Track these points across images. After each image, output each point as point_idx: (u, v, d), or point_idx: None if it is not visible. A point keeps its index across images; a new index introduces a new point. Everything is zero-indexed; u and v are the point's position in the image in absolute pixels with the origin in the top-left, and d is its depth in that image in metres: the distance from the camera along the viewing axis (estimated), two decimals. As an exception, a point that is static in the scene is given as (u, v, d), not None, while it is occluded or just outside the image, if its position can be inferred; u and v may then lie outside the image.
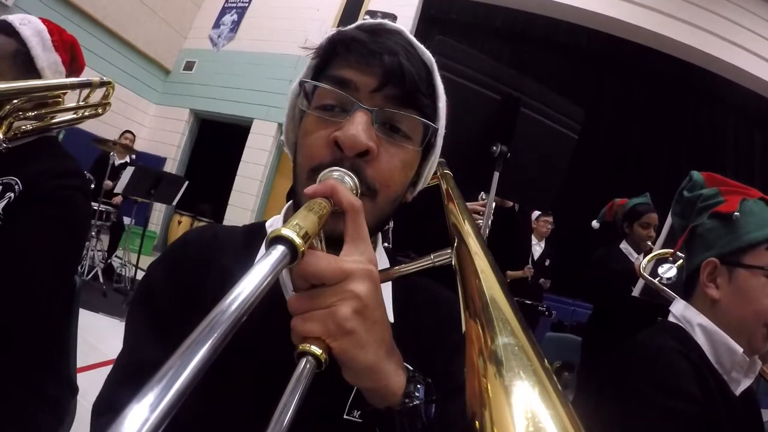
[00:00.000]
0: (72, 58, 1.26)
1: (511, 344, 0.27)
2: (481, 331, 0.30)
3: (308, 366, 0.39)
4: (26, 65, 1.14)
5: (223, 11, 8.26)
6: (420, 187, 0.72)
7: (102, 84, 1.32)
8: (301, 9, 7.45)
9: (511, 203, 2.30)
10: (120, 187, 4.33)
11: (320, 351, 0.40)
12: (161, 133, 8.05)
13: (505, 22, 7.21)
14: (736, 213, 1.03)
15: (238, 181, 7.38)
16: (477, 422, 0.22)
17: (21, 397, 1.11)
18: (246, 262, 0.66)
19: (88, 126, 6.35)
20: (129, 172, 4.30)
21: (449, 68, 1.61)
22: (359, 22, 0.64)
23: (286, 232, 0.36)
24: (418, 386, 0.46)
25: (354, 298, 0.41)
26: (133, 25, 7.27)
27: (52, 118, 1.22)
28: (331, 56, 0.62)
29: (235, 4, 8.21)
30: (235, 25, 8.06)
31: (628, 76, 7.21)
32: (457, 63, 1.66)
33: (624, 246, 3.01)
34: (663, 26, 6.76)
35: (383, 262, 0.74)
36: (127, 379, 0.63)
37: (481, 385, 0.25)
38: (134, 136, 5.78)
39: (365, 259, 0.45)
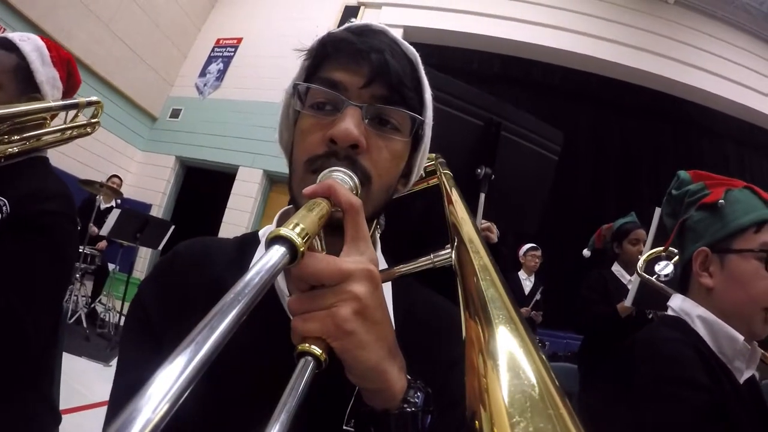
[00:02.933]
0: (68, 75, 1.29)
1: (511, 344, 0.27)
2: (480, 330, 0.30)
3: (307, 366, 0.39)
4: (26, 79, 1.17)
5: (209, 60, 8.47)
6: (413, 178, 0.74)
7: (89, 104, 1.35)
8: (284, 58, 7.56)
9: (495, 239, 2.32)
10: (106, 229, 4.30)
11: (320, 351, 0.39)
12: (147, 179, 8.05)
13: (481, 65, 7.49)
14: (721, 200, 1.05)
15: (224, 228, 7.36)
16: (477, 422, 0.22)
17: (4, 420, 1.07)
18: (238, 271, 0.65)
19: (74, 170, 6.33)
20: (115, 214, 4.29)
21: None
22: (347, 24, 0.68)
23: (286, 232, 0.36)
24: (418, 393, 0.45)
25: (354, 299, 0.41)
26: (121, 71, 7.40)
27: (38, 140, 1.23)
28: (322, 57, 0.65)
29: (220, 54, 8.44)
30: (221, 74, 8.25)
31: (602, 109, 7.49)
32: (437, 90, 1.72)
33: (616, 268, 3.01)
34: (629, 58, 7.11)
35: (382, 263, 0.74)
36: (125, 399, 0.61)
37: (481, 385, 0.24)
38: (121, 180, 5.78)
39: (365, 259, 0.44)
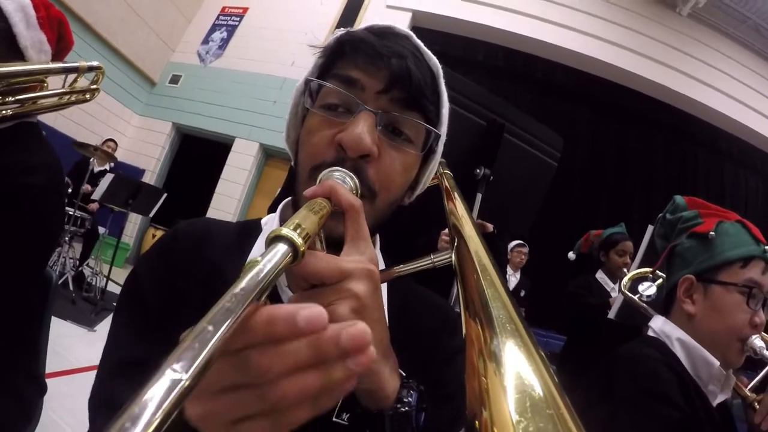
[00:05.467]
0: (59, 37, 1.18)
1: (512, 343, 0.27)
2: (480, 330, 0.30)
3: None
4: (7, 43, 1.05)
5: (213, 28, 8.32)
6: (418, 191, 0.72)
7: (90, 69, 1.26)
8: (290, 32, 7.56)
9: (491, 228, 2.34)
10: (98, 193, 4.24)
11: None
12: (142, 144, 7.96)
13: (486, 56, 7.42)
14: (711, 232, 1.08)
15: (216, 199, 7.32)
16: (477, 422, 0.22)
17: None
18: (238, 258, 0.66)
19: (69, 130, 6.25)
20: (108, 179, 4.23)
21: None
22: (368, 24, 0.65)
23: (287, 232, 0.36)
24: (411, 392, 0.46)
25: (352, 297, 0.41)
26: (123, 33, 7.25)
27: (34, 102, 1.14)
28: (338, 56, 0.62)
29: (225, 22, 8.29)
30: (224, 43, 8.11)
31: (601, 112, 7.46)
32: (445, 87, 1.72)
33: (600, 275, 3.07)
34: (636, 65, 7.07)
35: (381, 263, 0.74)
36: (114, 377, 0.61)
37: (481, 385, 0.25)
38: (116, 145, 5.70)
39: (366, 258, 0.44)
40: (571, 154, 6.61)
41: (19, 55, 1.08)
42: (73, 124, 6.52)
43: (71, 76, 1.27)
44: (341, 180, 0.53)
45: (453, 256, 0.49)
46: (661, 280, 1.42)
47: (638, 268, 1.90)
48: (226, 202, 7.22)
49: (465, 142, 1.79)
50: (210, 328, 0.26)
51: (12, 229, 0.99)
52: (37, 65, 1.10)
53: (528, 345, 0.27)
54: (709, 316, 1.05)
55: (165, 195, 4.98)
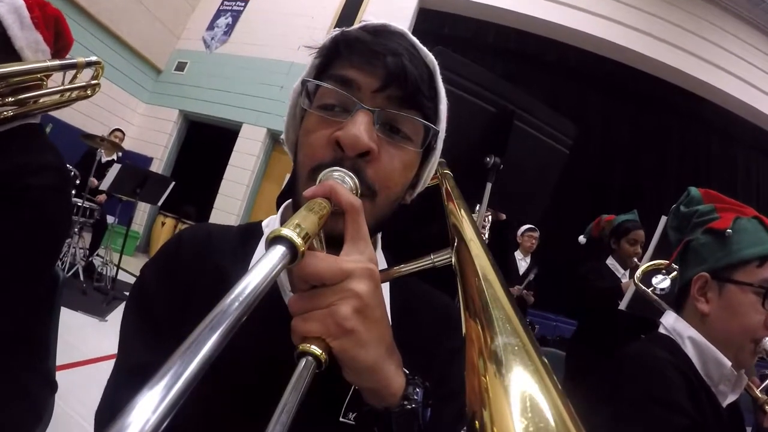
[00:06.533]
0: (57, 35, 1.17)
1: (511, 344, 0.27)
2: (481, 330, 0.30)
3: (308, 366, 0.39)
4: (2, 45, 1.05)
5: (218, 13, 8.26)
6: (419, 189, 0.72)
7: (89, 64, 1.25)
8: (295, 16, 7.51)
9: (504, 216, 2.32)
10: (106, 184, 4.27)
11: (320, 351, 0.39)
12: (149, 132, 7.97)
13: (497, 38, 7.35)
14: (729, 230, 1.05)
15: (225, 185, 7.35)
16: (477, 422, 0.22)
17: None
18: (242, 261, 0.67)
19: (76, 121, 6.29)
20: (115, 169, 4.25)
21: (446, 78, 1.62)
22: (363, 22, 0.64)
23: (286, 232, 0.36)
24: (417, 389, 0.46)
25: (354, 297, 0.41)
26: (127, 22, 7.21)
27: (35, 102, 1.14)
28: (334, 56, 0.62)
29: (230, 7, 8.23)
30: (230, 29, 8.06)
31: (614, 96, 7.40)
32: (454, 74, 1.68)
33: (610, 262, 3.04)
34: (649, 48, 6.98)
35: (382, 263, 0.74)
36: (125, 384, 0.62)
37: (481, 384, 0.24)
38: (124, 134, 5.71)
39: (365, 258, 0.44)
40: (583, 138, 6.52)
41: (15, 57, 1.07)
42: (80, 115, 6.53)
43: (71, 73, 1.26)
44: (341, 180, 0.53)
45: (453, 257, 0.49)
46: (675, 273, 1.39)
47: (651, 259, 1.86)
48: (234, 188, 7.25)
49: (474, 130, 1.75)
50: (208, 330, 0.27)
51: (19, 229, 1.00)
52: (33, 64, 1.10)
53: (528, 346, 0.27)
54: (723, 315, 1.03)
55: (173, 183, 5.00)
